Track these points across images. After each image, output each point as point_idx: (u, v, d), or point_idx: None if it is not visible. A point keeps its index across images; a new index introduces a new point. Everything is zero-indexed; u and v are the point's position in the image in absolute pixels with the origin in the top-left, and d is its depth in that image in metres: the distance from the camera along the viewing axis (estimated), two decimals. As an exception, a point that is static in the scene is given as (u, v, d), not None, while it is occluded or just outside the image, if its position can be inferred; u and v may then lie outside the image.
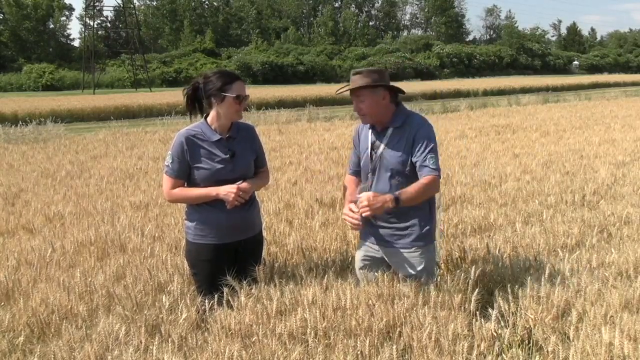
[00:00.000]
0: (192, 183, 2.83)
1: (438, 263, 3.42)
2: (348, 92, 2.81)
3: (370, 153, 2.83)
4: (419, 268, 2.78)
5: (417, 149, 2.70)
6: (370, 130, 2.87)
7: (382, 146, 2.78)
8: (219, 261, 2.80)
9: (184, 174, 2.80)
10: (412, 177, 2.73)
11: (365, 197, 2.52)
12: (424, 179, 2.65)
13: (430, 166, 2.66)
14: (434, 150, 2.70)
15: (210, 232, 2.81)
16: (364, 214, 2.53)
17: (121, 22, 64.82)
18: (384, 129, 2.80)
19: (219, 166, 2.76)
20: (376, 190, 2.77)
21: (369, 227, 2.89)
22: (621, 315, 2.47)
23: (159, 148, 9.63)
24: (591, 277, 2.99)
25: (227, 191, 2.72)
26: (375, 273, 2.83)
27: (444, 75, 64.62)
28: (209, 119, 2.82)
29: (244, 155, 2.85)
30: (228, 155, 2.78)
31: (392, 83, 2.82)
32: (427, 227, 2.80)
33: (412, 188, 2.62)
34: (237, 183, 2.76)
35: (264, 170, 3.04)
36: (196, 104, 2.86)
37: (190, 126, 2.85)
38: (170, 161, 2.79)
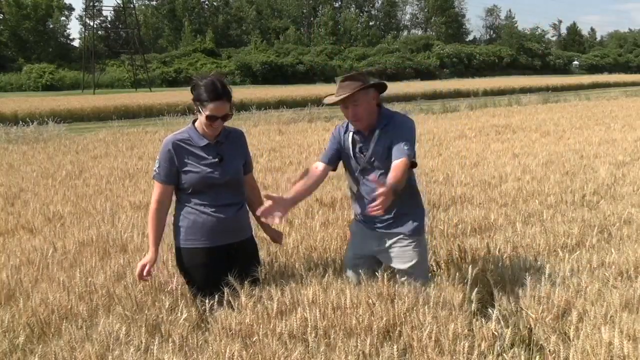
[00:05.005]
0: (181, 188, 2.80)
1: (439, 263, 3.42)
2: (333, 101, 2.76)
3: (358, 157, 2.81)
4: (411, 263, 2.79)
5: (396, 144, 2.66)
6: (351, 135, 2.83)
7: (371, 148, 2.76)
8: (212, 265, 2.78)
9: (173, 179, 2.78)
10: None
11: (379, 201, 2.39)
12: (397, 161, 2.59)
13: (405, 150, 2.60)
14: (410, 140, 2.66)
15: (202, 235, 2.78)
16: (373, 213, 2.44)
17: (121, 22, 64.84)
18: (371, 132, 2.77)
19: (208, 170, 2.74)
20: (366, 191, 2.78)
21: (359, 225, 2.90)
22: (621, 315, 2.47)
23: (159, 148, 9.59)
24: (591, 277, 2.99)
25: (140, 265, 2.76)
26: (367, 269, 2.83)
27: (444, 75, 64.66)
28: (197, 123, 2.80)
29: (232, 160, 2.82)
30: (217, 159, 2.76)
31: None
32: (418, 222, 2.83)
33: (393, 172, 2.55)
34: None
35: (251, 176, 3.03)
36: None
37: (177, 132, 2.83)
38: (158, 166, 2.78)
